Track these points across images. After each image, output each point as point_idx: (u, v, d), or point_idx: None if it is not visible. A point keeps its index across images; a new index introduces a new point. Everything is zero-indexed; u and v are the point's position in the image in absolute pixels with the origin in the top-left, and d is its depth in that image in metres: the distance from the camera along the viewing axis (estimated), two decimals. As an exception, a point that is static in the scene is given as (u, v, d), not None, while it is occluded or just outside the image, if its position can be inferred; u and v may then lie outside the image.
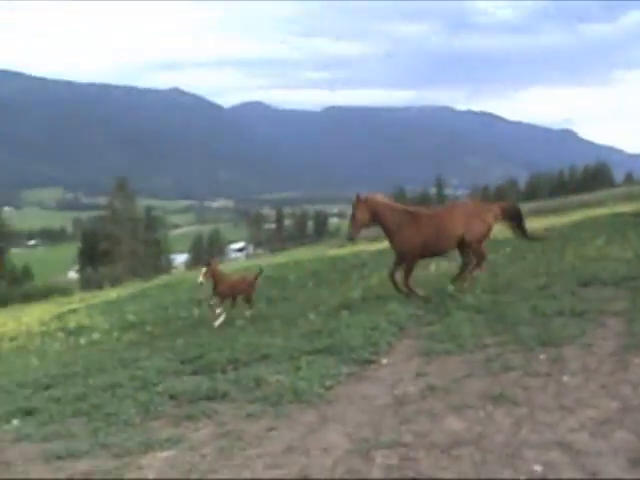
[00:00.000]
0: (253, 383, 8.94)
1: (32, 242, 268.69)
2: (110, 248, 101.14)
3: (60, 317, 27.26)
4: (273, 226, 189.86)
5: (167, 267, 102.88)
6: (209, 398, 8.72)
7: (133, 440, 7.44)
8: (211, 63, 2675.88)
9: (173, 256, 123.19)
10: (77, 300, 38.05)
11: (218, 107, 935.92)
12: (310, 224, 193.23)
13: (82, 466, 6.97)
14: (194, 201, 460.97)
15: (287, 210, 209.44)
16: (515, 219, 14.46)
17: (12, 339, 22.49)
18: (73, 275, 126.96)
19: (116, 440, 7.57)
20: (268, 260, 30.01)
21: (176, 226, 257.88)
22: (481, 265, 14.10)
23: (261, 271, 17.18)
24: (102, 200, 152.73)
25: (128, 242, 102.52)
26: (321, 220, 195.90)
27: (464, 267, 14.16)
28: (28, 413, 9.64)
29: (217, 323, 15.53)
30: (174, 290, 29.54)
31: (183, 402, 8.81)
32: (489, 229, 14.01)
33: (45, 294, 56.82)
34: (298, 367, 9.27)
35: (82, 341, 18.60)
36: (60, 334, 21.32)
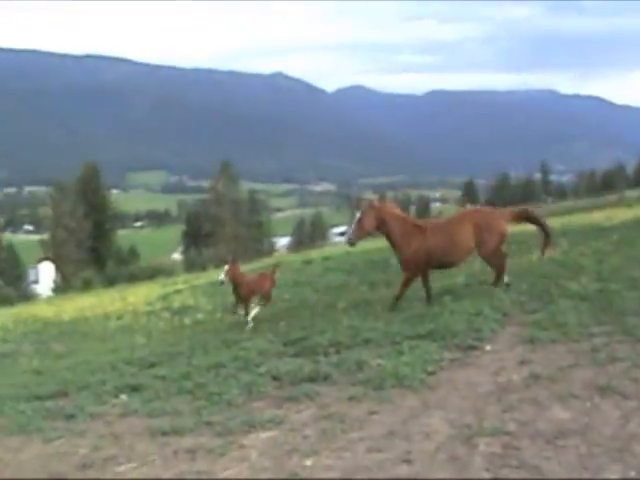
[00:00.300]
0: (355, 366, 8.97)
1: (138, 224, 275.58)
2: (213, 230, 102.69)
3: (165, 297, 27.77)
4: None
5: (269, 250, 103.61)
6: (311, 380, 8.79)
7: (236, 419, 7.58)
8: (315, 47, 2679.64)
9: (275, 239, 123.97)
10: (181, 281, 38.69)
11: (321, 91, 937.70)
12: (412, 209, 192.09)
13: (186, 442, 7.15)
14: (297, 185, 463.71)
15: (389, 194, 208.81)
16: (530, 221, 13.93)
17: (119, 318, 23.02)
18: (177, 256, 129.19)
19: (219, 419, 7.73)
20: (370, 244, 29.93)
21: (278, 209, 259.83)
22: (500, 280, 13.27)
23: (275, 265, 16.67)
24: (206, 183, 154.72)
25: (231, 225, 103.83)
26: (423, 205, 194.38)
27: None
28: (134, 389, 9.93)
29: (249, 326, 14.75)
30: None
31: (285, 383, 8.90)
32: (503, 238, 13.33)
33: (150, 274, 58.00)
34: (400, 352, 9.25)
35: (186, 321, 18.93)
36: (165, 314, 21.71)
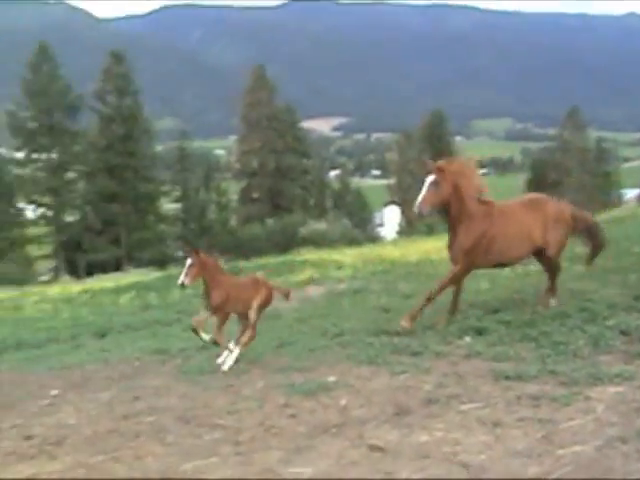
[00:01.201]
0: None
1: (482, 171, 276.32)
2: (559, 179, 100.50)
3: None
4: None
5: (617, 202, 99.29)
6: (664, 338, 8.42)
7: (581, 371, 7.43)
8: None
9: (624, 191, 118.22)
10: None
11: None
12: None
13: (530, 389, 7.12)
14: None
15: None
16: (587, 234, 11.65)
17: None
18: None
19: (564, 369, 7.61)
20: None
21: (627, 159, 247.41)
22: (557, 277, 11.54)
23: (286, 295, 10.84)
24: (552, 131, 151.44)
25: (577, 174, 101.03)
26: None
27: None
28: (479, 332, 10.02)
29: (226, 365, 9.66)
30: (624, 225, 28.48)
31: (635, 339, 8.60)
32: (567, 235, 11.25)
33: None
34: None
35: (532, 267, 18.68)
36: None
